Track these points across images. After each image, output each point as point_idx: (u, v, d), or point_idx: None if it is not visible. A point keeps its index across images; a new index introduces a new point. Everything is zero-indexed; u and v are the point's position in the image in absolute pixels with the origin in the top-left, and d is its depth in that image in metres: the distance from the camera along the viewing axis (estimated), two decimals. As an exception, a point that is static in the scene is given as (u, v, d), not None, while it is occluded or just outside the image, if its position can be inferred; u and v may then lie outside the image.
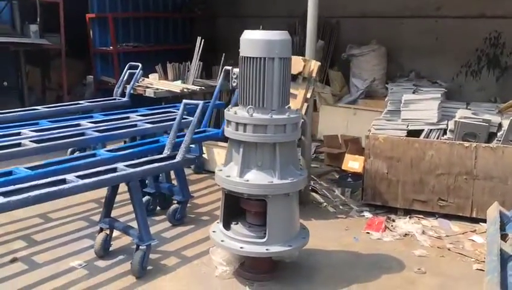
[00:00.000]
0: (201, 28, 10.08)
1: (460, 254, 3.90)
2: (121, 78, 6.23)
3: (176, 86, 6.29)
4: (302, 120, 4.19)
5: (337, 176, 5.64)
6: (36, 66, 7.87)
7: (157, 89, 6.24)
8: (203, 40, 6.71)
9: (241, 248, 3.17)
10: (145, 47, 8.76)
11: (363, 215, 4.64)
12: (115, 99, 6.12)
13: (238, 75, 3.19)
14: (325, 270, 3.60)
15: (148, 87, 6.30)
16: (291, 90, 4.54)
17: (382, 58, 7.82)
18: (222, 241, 3.26)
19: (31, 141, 3.76)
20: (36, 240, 3.95)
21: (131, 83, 6.14)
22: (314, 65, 4.31)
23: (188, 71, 6.89)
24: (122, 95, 6.11)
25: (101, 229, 3.68)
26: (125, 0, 8.93)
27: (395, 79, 7.53)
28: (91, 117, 4.93)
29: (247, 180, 3.10)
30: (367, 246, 4.02)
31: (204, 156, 5.83)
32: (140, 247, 3.41)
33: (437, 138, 4.51)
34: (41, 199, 2.91)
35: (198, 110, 3.81)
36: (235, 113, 3.14)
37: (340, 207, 4.85)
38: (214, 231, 3.39)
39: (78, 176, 3.21)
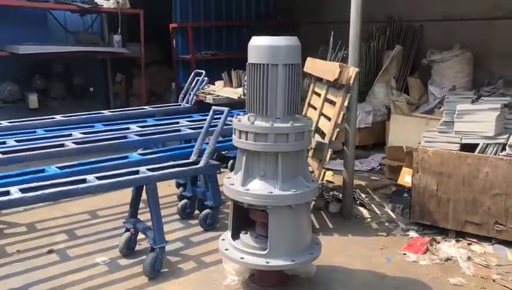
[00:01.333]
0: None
1: (507, 287, 3.42)
2: (187, 84, 6.47)
3: (234, 93, 6.37)
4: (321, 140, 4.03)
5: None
6: (122, 74, 8.48)
7: (218, 95, 6.36)
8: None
9: (241, 258, 3.10)
10: (224, 55, 8.99)
11: (408, 235, 4.27)
12: (179, 105, 6.37)
13: (246, 83, 3.14)
14: (340, 291, 3.38)
15: (209, 94, 6.45)
16: (331, 97, 4.40)
17: (466, 65, 7.16)
18: (226, 249, 3.22)
19: (73, 143, 4.05)
20: (77, 235, 4.24)
21: (194, 89, 6.34)
22: (353, 72, 4.07)
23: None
24: (188, 101, 6.35)
25: (127, 229, 3.83)
26: (208, 10, 9.28)
27: (482, 87, 6.87)
28: (144, 121, 5.17)
29: (248, 190, 3.03)
30: (398, 268, 3.70)
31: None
32: (153, 249, 3.49)
33: (494, 154, 4.00)
34: (55, 197, 3.14)
35: (223, 117, 3.81)
36: (239, 120, 3.09)
37: (386, 224, 4.52)
38: (223, 239, 3.36)
39: (97, 177, 3.40)
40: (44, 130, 4.58)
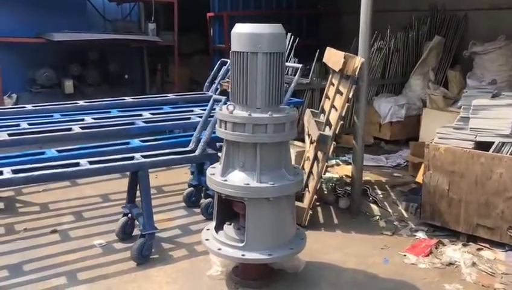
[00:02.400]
0: (326, 25, 9.94)
1: (508, 298, 3.17)
2: (212, 73, 6.47)
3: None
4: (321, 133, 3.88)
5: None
6: (159, 62, 8.64)
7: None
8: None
9: (218, 249, 3.07)
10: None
11: (415, 236, 4.05)
12: (204, 94, 6.39)
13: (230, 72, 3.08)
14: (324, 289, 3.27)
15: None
16: (341, 88, 4.23)
17: (510, 57, 6.65)
18: (207, 239, 3.19)
19: (79, 127, 4.16)
20: (83, 217, 4.38)
21: (219, 78, 6.33)
22: (359, 62, 3.89)
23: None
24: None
25: (124, 214, 3.90)
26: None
27: (528, 82, 6.39)
28: (160, 108, 5.23)
29: (226, 180, 2.98)
30: (394, 270, 3.52)
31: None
32: (143, 235, 3.53)
33: (510, 154, 3.69)
34: (44, 179, 3.24)
35: (209, 105, 3.78)
36: (220, 110, 3.03)
37: (395, 223, 4.32)
38: (207, 229, 3.34)
39: (90, 161, 3.47)
40: (61, 115, 4.73)
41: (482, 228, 3.85)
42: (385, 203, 4.74)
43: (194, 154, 3.75)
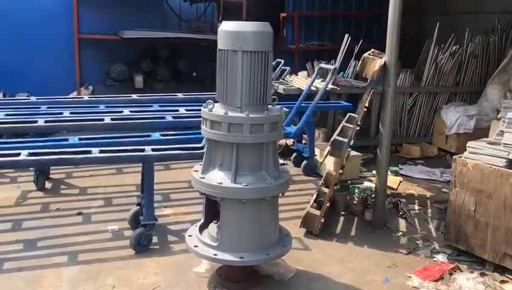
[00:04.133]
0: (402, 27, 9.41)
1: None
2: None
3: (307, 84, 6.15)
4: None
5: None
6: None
7: (291, 86, 6.22)
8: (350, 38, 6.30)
9: (195, 246, 3.07)
10: (331, 45, 8.70)
11: (434, 257, 3.70)
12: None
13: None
14: (304, 302, 3.12)
15: (284, 84, 6.35)
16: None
17: None
18: (190, 236, 3.21)
19: (110, 119, 4.42)
20: (111, 203, 4.64)
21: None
22: (378, 65, 3.64)
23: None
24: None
25: (138, 203, 4.07)
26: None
27: None
28: (199, 105, 5.33)
29: (203, 178, 2.98)
30: (390, 291, 3.25)
31: (317, 158, 5.58)
32: (143, 225, 3.66)
33: (545, 176, 3.21)
34: (52, 163, 3.53)
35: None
36: (205, 108, 3.03)
37: (418, 241, 3.98)
38: (195, 226, 3.36)
39: (101, 150, 3.68)
40: (105, 106, 5.06)
41: (510, 258, 3.40)
42: (415, 219, 4.38)
43: (201, 151, 3.78)
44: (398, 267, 3.56)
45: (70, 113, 4.65)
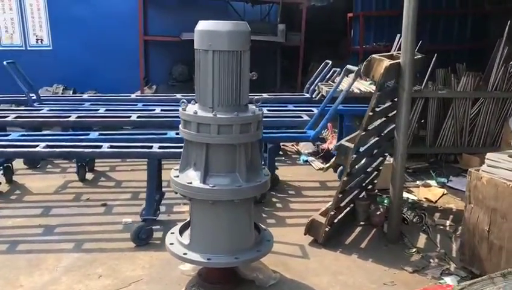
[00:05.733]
0: (496, 26, 8.62)
1: None
2: (315, 75, 6.35)
3: (357, 87, 5.87)
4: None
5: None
6: (289, 61, 8.78)
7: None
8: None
9: (170, 244, 3.09)
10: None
11: (441, 279, 3.35)
12: (302, 95, 6.35)
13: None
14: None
15: (328, 86, 6.13)
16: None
17: None
18: (172, 233, 3.24)
19: (137, 117, 4.63)
20: (137, 197, 4.83)
21: (317, 80, 6.18)
22: (381, 66, 3.38)
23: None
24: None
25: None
26: (395, -2, 8.65)
27: None
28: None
29: (177, 177, 3.00)
30: (374, 310, 3.00)
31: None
32: (143, 219, 3.78)
33: None
34: (63, 155, 3.80)
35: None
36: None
37: (431, 260, 3.63)
38: (180, 224, 3.38)
39: (111, 146, 3.87)
40: (143, 104, 5.31)
41: (522, 289, 2.96)
42: (439, 235, 4.01)
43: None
44: (396, 285, 3.28)
45: (107, 110, 4.94)
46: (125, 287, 3.23)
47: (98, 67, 7.88)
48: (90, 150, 3.78)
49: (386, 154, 4.86)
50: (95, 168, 5.58)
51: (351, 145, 3.62)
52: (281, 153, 6.57)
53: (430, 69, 5.97)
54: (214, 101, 2.84)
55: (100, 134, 4.25)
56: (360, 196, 4.46)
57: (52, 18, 8.01)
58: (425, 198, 4.88)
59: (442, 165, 5.95)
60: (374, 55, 3.54)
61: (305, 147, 6.50)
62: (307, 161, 6.21)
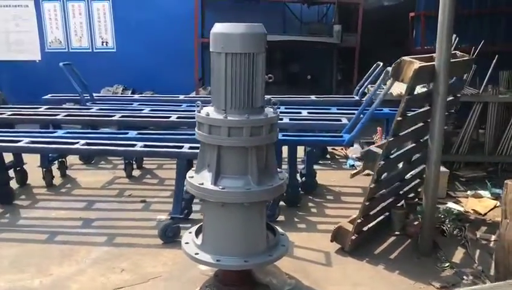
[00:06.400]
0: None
1: None
2: (365, 77, 6.16)
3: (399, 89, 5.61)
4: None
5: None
6: (346, 63, 8.57)
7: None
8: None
9: (186, 243, 3.13)
10: (463, 47, 7.74)
11: (469, 297, 3.12)
12: (352, 97, 6.20)
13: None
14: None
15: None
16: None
17: None
18: (190, 233, 3.28)
19: (177, 117, 4.75)
20: (176, 195, 4.96)
21: (366, 82, 6.00)
22: (411, 69, 3.19)
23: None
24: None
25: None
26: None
27: None
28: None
29: (192, 177, 3.03)
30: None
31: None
32: (171, 217, 3.87)
33: None
34: (98, 153, 4.01)
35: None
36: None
37: (465, 277, 3.39)
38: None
39: (145, 145, 4.00)
40: (187, 105, 5.44)
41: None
42: (478, 251, 3.72)
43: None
44: (416, 301, 3.10)
45: (150, 110, 5.12)
46: (143, 282, 3.32)
47: (156, 68, 8.18)
48: (124, 148, 3.93)
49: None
50: (144, 165, 5.81)
51: (380, 151, 3.47)
52: (328, 157, 6.46)
53: (490, 71, 5.56)
54: (227, 104, 2.84)
55: (138, 133, 4.40)
56: (398, 205, 4.26)
57: (117, 22, 8.44)
58: (473, 210, 4.56)
59: (500, 175, 5.53)
60: (404, 57, 3.36)
61: (353, 151, 6.32)
62: (353, 165, 6.04)
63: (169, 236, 3.86)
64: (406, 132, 3.59)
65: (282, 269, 3.43)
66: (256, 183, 2.87)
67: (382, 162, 3.45)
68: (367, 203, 3.58)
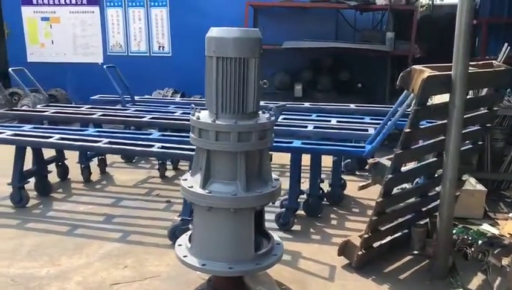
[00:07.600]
0: None
1: None
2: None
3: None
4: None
5: None
6: (398, 71, 8.21)
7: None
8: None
9: (179, 245, 3.16)
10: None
11: (476, 328, 2.87)
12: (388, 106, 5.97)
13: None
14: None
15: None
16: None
17: None
18: (186, 235, 3.30)
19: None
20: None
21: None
22: (420, 78, 2.99)
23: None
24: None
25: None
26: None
27: None
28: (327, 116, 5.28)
29: (185, 180, 3.05)
30: None
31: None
32: (181, 219, 3.93)
33: None
34: (117, 152, 4.17)
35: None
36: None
37: (477, 304, 3.12)
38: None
39: (161, 146, 4.11)
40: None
41: None
42: (499, 278, 3.39)
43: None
44: (415, 327, 2.89)
45: (181, 113, 5.23)
46: (141, 280, 3.39)
47: (202, 72, 8.31)
48: (140, 148, 4.05)
49: (465, 178, 4.31)
50: (179, 166, 5.95)
51: (389, 164, 3.29)
52: (366, 167, 6.22)
53: None
54: (218, 108, 2.83)
55: (161, 134, 4.52)
56: (420, 222, 4.01)
57: (173, 27, 8.73)
58: (510, 234, 4.18)
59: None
60: (415, 66, 3.16)
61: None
62: (390, 178, 5.77)
63: (178, 237, 3.90)
64: (419, 145, 3.38)
65: (280, 278, 3.38)
66: (245, 189, 2.83)
67: (390, 176, 3.26)
68: (374, 218, 3.40)
